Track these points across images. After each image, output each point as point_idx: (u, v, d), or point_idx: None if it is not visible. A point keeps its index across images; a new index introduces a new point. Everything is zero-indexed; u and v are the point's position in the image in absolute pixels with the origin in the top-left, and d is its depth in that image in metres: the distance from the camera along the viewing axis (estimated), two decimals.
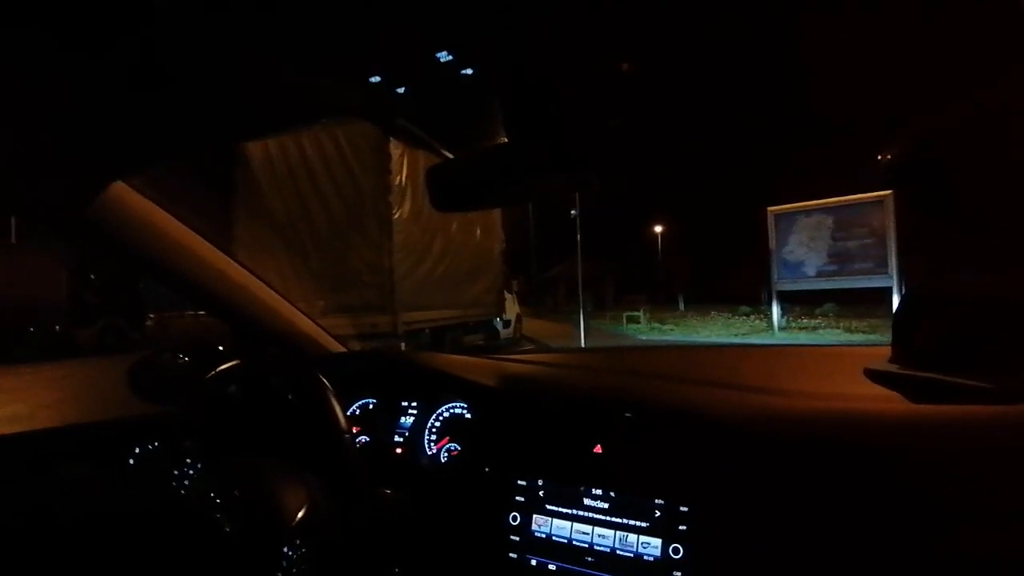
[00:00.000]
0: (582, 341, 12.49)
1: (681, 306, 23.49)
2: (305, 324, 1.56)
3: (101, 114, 0.87)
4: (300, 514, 0.92)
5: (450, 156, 0.90)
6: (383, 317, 7.13)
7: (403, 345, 7.21)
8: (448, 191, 0.88)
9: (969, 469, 0.75)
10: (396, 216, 7.06)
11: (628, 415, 0.97)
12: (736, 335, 13.97)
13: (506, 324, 11.57)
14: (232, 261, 1.42)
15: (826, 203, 12.15)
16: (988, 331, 0.90)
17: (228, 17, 0.61)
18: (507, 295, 11.32)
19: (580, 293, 14.01)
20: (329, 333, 1.65)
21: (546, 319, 19.08)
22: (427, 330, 8.21)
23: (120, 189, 1.19)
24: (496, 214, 10.39)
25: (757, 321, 15.46)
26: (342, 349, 1.61)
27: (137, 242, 1.27)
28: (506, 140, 0.76)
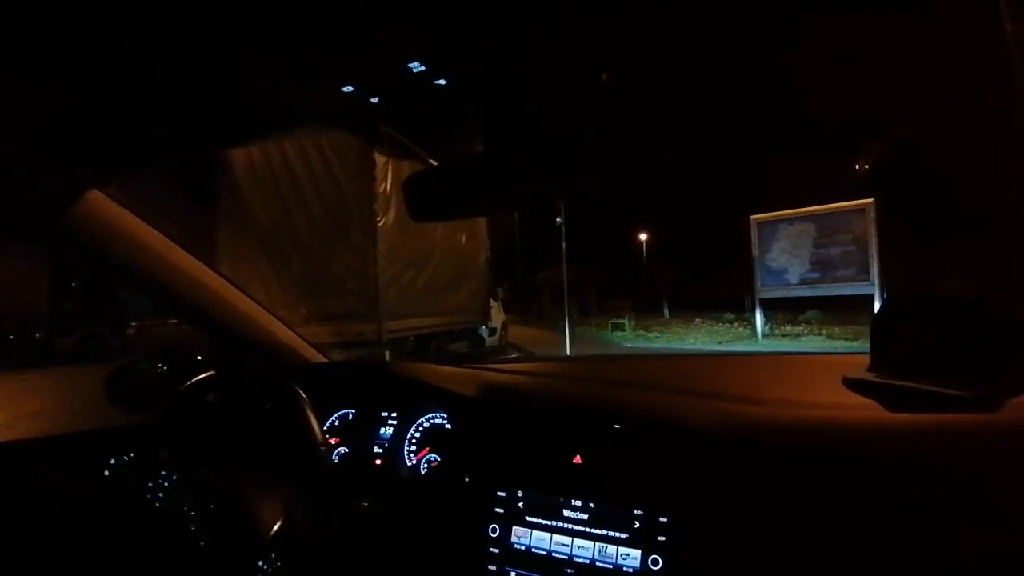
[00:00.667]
0: (567, 348, 12.50)
1: (666, 313, 23.59)
2: (284, 334, 1.54)
3: (76, 119, 0.86)
4: (276, 526, 0.91)
5: (428, 160, 0.89)
6: (367, 325, 7.08)
7: (387, 353, 7.18)
8: (425, 200, 0.87)
9: (943, 477, 0.75)
10: (381, 223, 7.03)
11: (617, 426, 0.97)
12: (720, 342, 14.05)
13: (492, 331, 11.55)
14: (209, 270, 1.41)
15: (808, 211, 12.30)
16: (962, 339, 0.91)
17: (204, 22, 0.60)
18: (493, 302, 11.30)
19: (566, 300, 14.03)
20: (309, 343, 1.63)
21: (532, 326, 19.10)
22: (412, 338, 8.17)
23: (95, 197, 1.18)
24: (481, 221, 10.39)
25: (741, 328, 15.56)
26: (322, 359, 1.59)
27: (113, 250, 1.25)
28: (483, 148, 0.76)
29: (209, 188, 7.31)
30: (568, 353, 12.19)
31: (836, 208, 12.03)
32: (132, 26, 0.61)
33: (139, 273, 1.31)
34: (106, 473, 1.36)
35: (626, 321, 17.68)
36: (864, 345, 1.05)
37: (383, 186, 7.06)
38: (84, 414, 1.45)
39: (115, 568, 1.13)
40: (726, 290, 17.73)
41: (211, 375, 1.13)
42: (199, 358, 1.49)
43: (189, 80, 0.75)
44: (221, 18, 0.57)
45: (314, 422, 0.97)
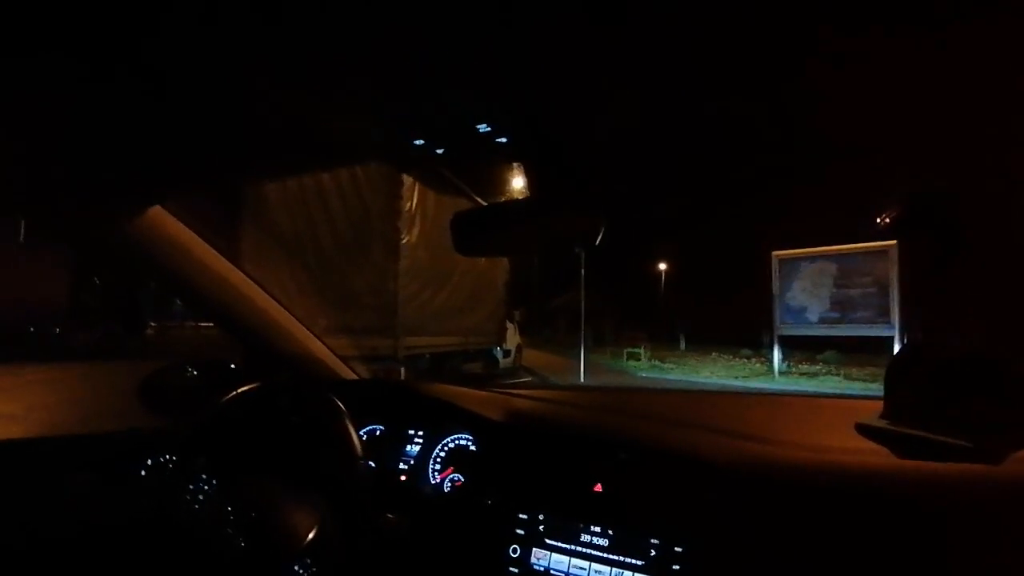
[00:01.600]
0: (582, 375, 12.45)
1: (682, 345, 23.40)
2: (318, 348, 1.60)
3: (140, 140, 0.93)
4: (311, 535, 0.96)
5: (476, 198, 0.96)
6: (384, 340, 7.13)
7: (403, 370, 7.21)
8: (472, 237, 0.94)
9: (946, 524, 0.79)
10: (404, 241, 7.12)
11: (623, 456, 1.01)
12: (737, 377, 13.90)
13: (506, 353, 11.54)
14: (252, 281, 1.47)
15: (830, 250, 12.22)
16: (969, 391, 0.94)
17: (278, 54, 0.65)
18: (509, 324, 11.31)
19: (582, 326, 14.02)
20: (340, 358, 1.69)
21: (546, 350, 19.01)
22: (428, 355, 8.21)
23: (158, 213, 1.25)
24: None
25: (758, 364, 15.40)
26: (352, 374, 1.65)
27: (165, 261, 1.32)
28: (526, 194, 0.83)
29: (236, 193, 7.44)
30: (582, 379, 12.14)
31: (858, 248, 11.94)
32: (192, 56, 0.66)
33: (188, 284, 1.38)
34: (143, 474, 1.42)
35: (641, 350, 17.55)
36: (879, 388, 1.08)
37: (408, 204, 7.17)
38: (101, 410, 1.51)
39: (150, 570, 1.18)
40: (744, 325, 17.60)
41: (254, 387, 1.19)
42: (233, 367, 1.55)
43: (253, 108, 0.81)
44: (297, 55, 0.62)
45: (355, 435, 1.02)
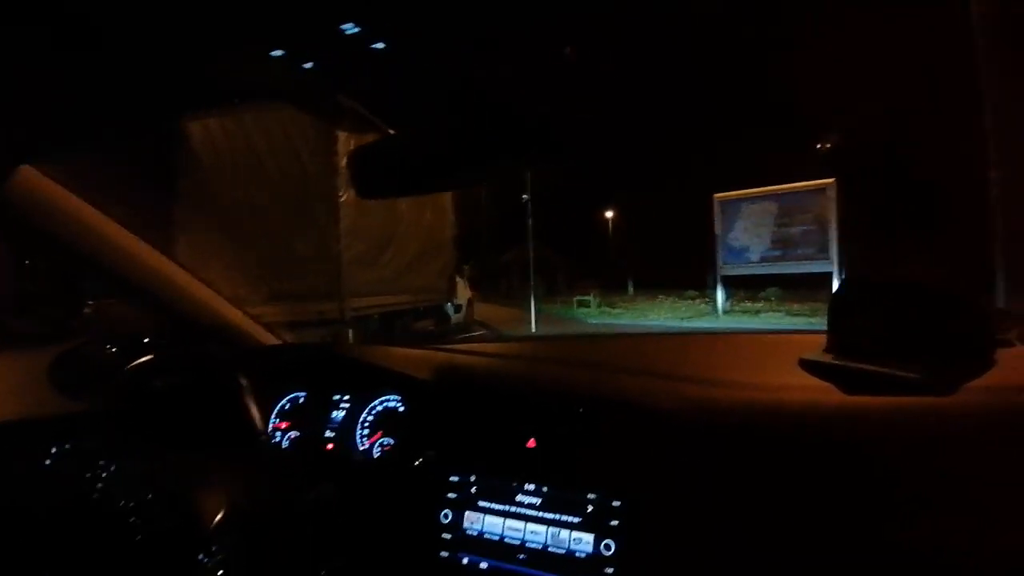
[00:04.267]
0: (533, 326, 12.55)
1: (630, 290, 23.82)
2: (234, 315, 1.48)
3: (8, 94, 0.80)
4: (218, 516, 0.88)
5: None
6: (330, 304, 6.99)
7: (351, 332, 7.10)
8: (374, 176, 0.83)
9: (897, 459, 0.76)
10: (343, 199, 6.90)
11: (556, 407, 0.95)
12: (682, 319, 14.27)
13: (457, 309, 11.52)
14: (154, 250, 1.35)
15: (770, 190, 12.50)
16: (917, 321, 0.91)
17: None
18: (458, 280, 11.26)
19: (531, 278, 14.06)
20: (262, 324, 1.57)
21: (498, 304, 19.09)
22: (376, 316, 8.09)
23: (29, 173, 1.11)
24: (447, 197, 10.28)
25: (703, 305, 15.81)
26: (275, 340, 1.54)
27: (51, 229, 1.19)
28: (439, 119, 0.72)
29: (165, 165, 7.08)
30: (534, 330, 12.24)
31: (798, 187, 12.25)
32: None
33: (79, 252, 1.25)
34: (47, 463, 1.30)
35: (591, 298, 17.79)
36: (821, 322, 1.05)
37: (345, 161, 6.91)
38: (32, 401, 1.39)
39: (51, 562, 1.08)
40: (689, 268, 17.97)
41: (149, 359, 1.08)
42: (146, 341, 1.43)
43: (113, 48, 0.70)
44: None
45: (254, 409, 0.93)
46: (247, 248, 6.98)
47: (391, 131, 6.98)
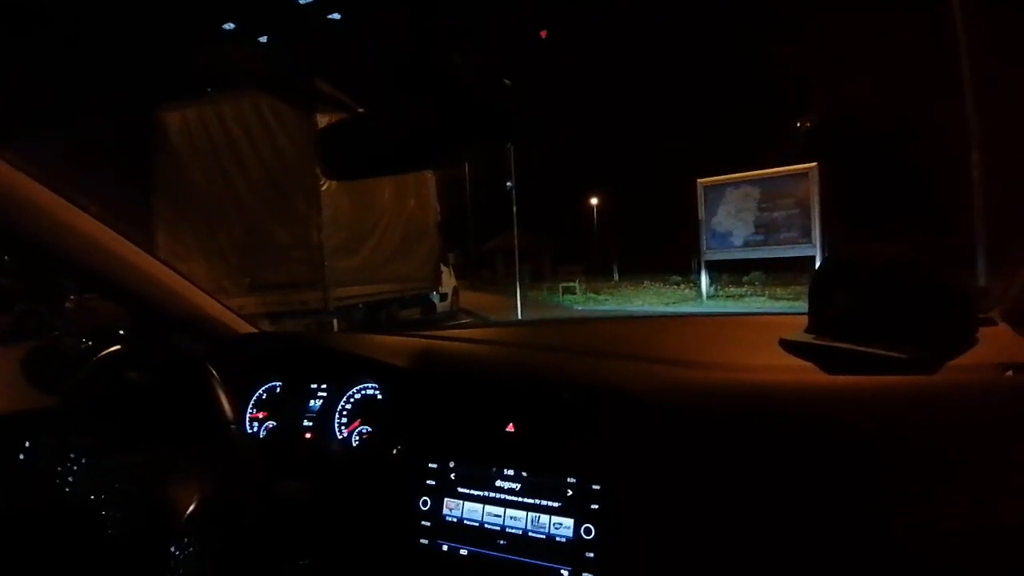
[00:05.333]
0: (519, 313, 12.55)
1: (616, 276, 23.91)
2: (210, 306, 1.45)
3: None
4: (190, 510, 0.86)
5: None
6: (313, 293, 6.93)
7: (335, 322, 7.04)
8: (342, 156, 0.80)
9: (879, 439, 0.75)
10: (324, 188, 6.81)
11: (533, 392, 0.94)
12: (667, 304, 14.34)
13: (443, 297, 11.48)
14: (128, 241, 1.30)
15: (753, 175, 12.53)
16: (899, 301, 0.91)
17: None
18: (444, 268, 11.20)
19: (516, 264, 14.03)
20: (240, 314, 1.54)
21: (484, 291, 19.08)
22: (361, 305, 8.03)
23: None
24: (430, 185, 10.21)
25: (687, 290, 15.89)
26: (251, 330, 1.51)
27: (19, 221, 1.14)
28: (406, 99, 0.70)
29: (142, 156, 6.96)
30: (519, 316, 12.24)
31: (780, 172, 12.29)
32: None
33: (44, 244, 1.21)
34: (20, 457, 1.28)
35: (576, 284, 17.83)
36: (804, 306, 1.04)
37: (317, 149, 6.81)
38: (9, 397, 1.36)
39: (26, 558, 1.06)
40: (674, 253, 18.05)
41: (117, 350, 1.05)
42: (121, 333, 1.40)
43: (85, 36, 0.66)
44: None
45: (224, 400, 0.91)
46: (228, 239, 6.91)
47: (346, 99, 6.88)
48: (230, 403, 0.91)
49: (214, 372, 0.93)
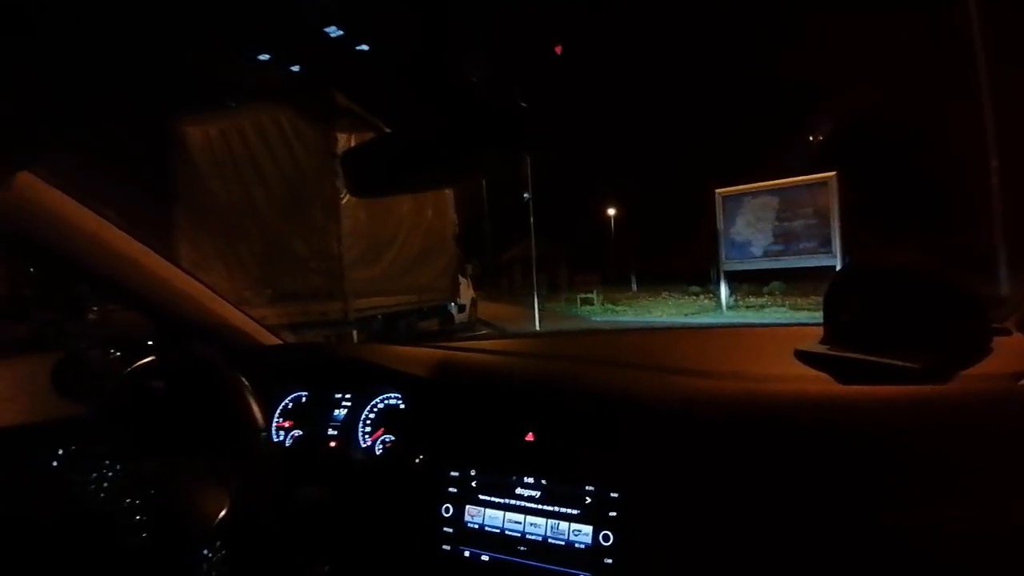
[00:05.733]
0: (536, 324, 12.54)
1: (634, 287, 23.78)
2: (234, 316, 1.49)
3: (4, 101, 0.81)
4: (219, 516, 0.89)
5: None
6: (333, 304, 6.99)
7: (355, 333, 7.10)
8: (368, 175, 0.84)
9: (893, 448, 0.76)
10: (344, 201, 6.89)
11: (553, 402, 0.96)
12: (686, 315, 14.23)
13: (461, 308, 11.50)
14: (151, 252, 1.35)
15: (772, 185, 12.42)
16: (912, 310, 0.91)
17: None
18: (462, 279, 11.24)
19: (534, 275, 14.05)
20: (264, 324, 1.58)
21: (502, 302, 19.09)
22: (380, 316, 8.09)
23: (26, 179, 1.11)
24: (448, 196, 10.28)
25: (706, 300, 15.77)
26: (275, 340, 1.55)
27: (45, 234, 1.19)
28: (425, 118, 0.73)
29: (165, 170, 7.11)
30: (537, 328, 12.23)
31: (799, 181, 12.17)
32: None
33: (74, 257, 1.25)
34: (53, 465, 1.32)
35: (594, 295, 17.77)
36: None
37: (342, 169, 6.90)
38: (38, 405, 1.41)
39: (59, 564, 1.09)
40: (692, 263, 17.93)
41: (150, 361, 1.09)
42: (150, 344, 1.44)
43: (110, 54, 0.70)
44: None
45: (255, 406, 0.94)
46: (250, 251, 7.01)
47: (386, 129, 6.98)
48: (260, 410, 0.94)
49: (243, 379, 0.96)
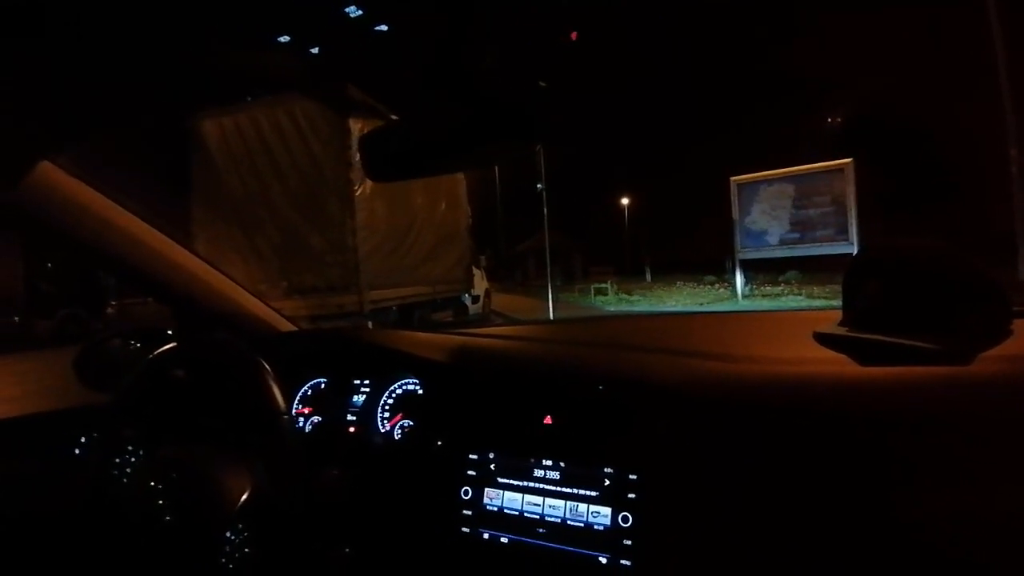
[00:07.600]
0: (551, 314, 12.54)
1: (648, 276, 23.70)
2: (253, 304, 1.51)
3: (23, 91, 0.82)
4: (243, 498, 0.90)
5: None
6: (348, 296, 7.05)
7: (370, 324, 7.16)
8: (385, 160, 0.84)
9: (913, 430, 0.75)
10: (358, 193, 6.93)
11: (571, 385, 0.96)
12: (701, 304, 14.18)
13: (475, 300, 11.54)
14: (172, 242, 1.37)
15: (787, 172, 12.28)
16: (932, 292, 0.91)
17: None
18: (475, 270, 11.27)
19: (547, 266, 14.04)
20: (281, 314, 1.60)
21: (516, 293, 19.10)
22: (395, 308, 8.14)
23: (48, 169, 1.13)
24: (461, 188, 10.30)
25: (721, 289, 15.70)
26: (290, 328, 1.56)
27: (68, 224, 1.21)
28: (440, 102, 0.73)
29: (181, 163, 7.19)
30: (551, 318, 12.23)
31: (815, 168, 12.02)
32: None
33: (98, 247, 1.28)
34: (77, 452, 1.34)
35: (608, 285, 17.74)
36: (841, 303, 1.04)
37: (359, 154, 6.93)
38: (61, 396, 1.44)
39: (84, 550, 1.12)
40: (707, 252, 17.84)
41: (172, 348, 1.11)
42: (170, 333, 1.46)
43: (127, 44, 0.72)
44: None
45: (276, 390, 0.95)
46: (265, 243, 7.08)
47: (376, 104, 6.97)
48: (282, 393, 0.96)
49: (265, 364, 0.97)
